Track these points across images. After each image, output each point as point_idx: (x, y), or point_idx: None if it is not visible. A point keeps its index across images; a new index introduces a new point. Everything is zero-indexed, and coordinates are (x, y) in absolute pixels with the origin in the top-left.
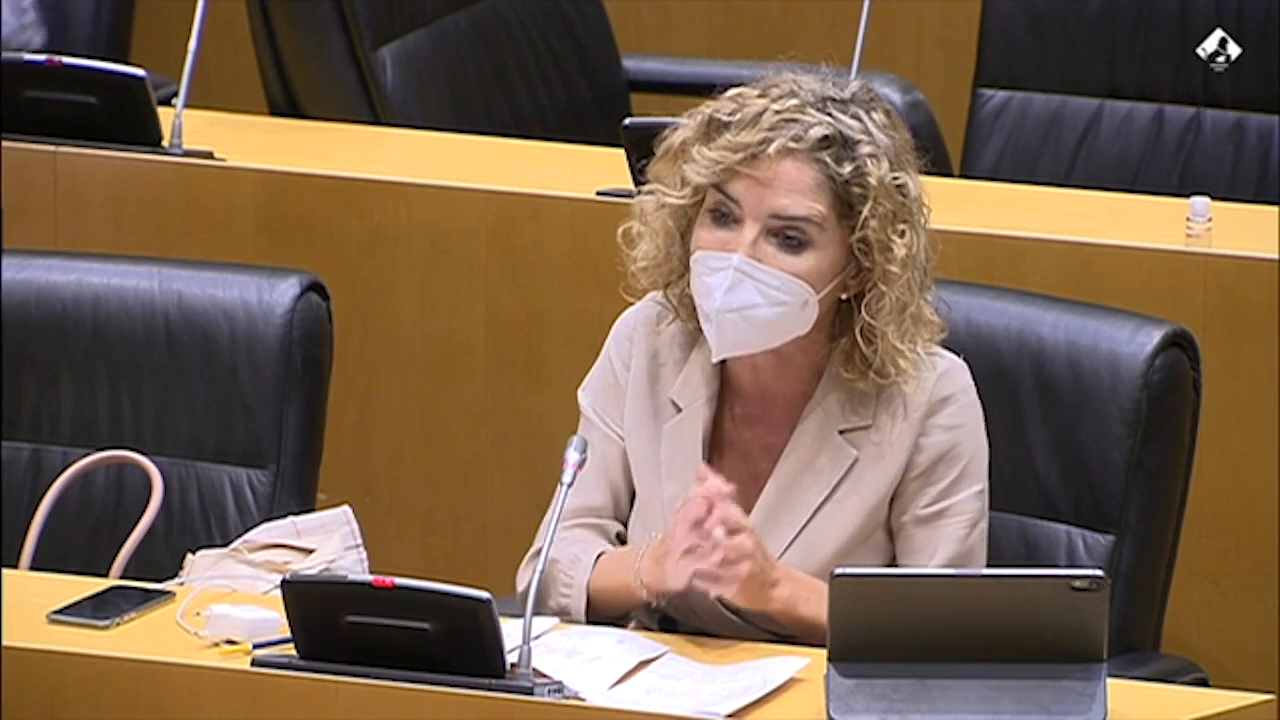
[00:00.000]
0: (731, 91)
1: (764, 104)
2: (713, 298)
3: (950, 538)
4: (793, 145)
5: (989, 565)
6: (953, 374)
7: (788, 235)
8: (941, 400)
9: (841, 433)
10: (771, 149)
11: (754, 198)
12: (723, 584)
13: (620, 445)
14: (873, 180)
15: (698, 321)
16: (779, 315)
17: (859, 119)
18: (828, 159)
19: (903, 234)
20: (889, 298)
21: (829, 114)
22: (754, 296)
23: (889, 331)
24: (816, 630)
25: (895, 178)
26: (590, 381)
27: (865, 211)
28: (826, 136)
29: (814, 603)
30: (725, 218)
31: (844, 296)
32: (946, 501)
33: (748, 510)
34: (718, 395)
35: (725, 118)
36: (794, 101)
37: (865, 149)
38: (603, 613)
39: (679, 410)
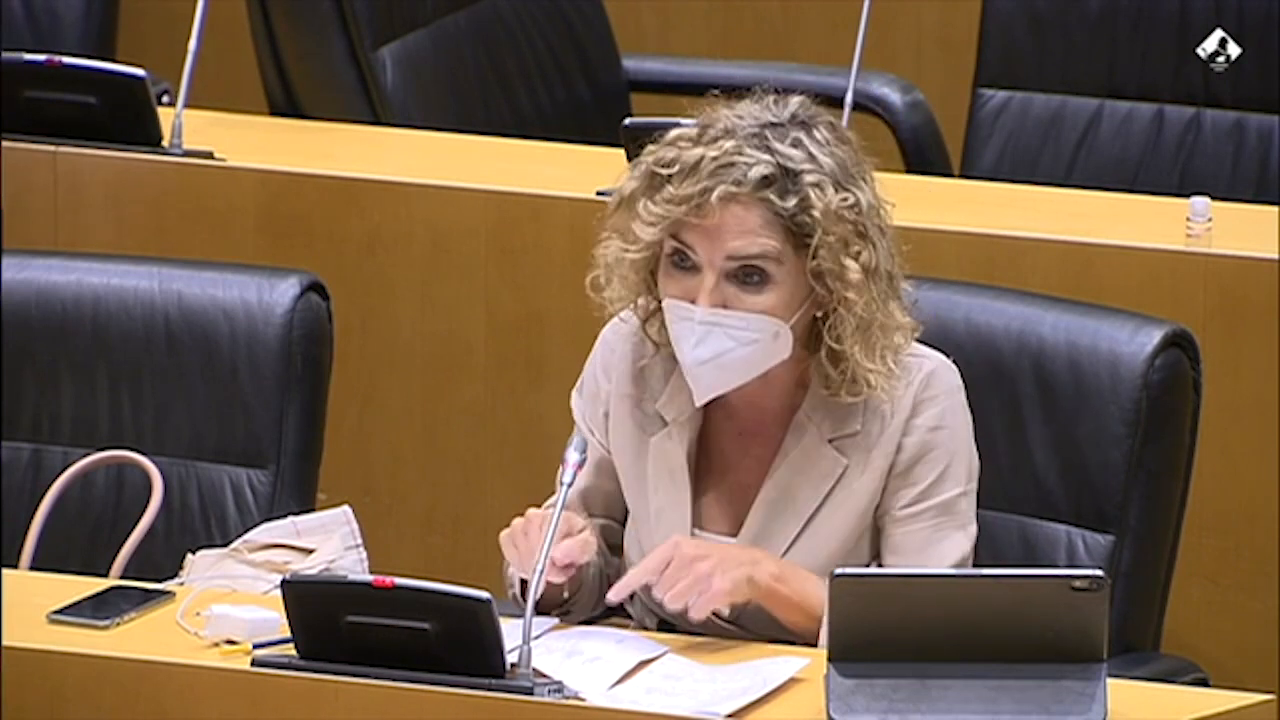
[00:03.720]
0: (671, 135)
1: (700, 152)
2: (683, 352)
3: (928, 539)
4: (734, 190)
5: (989, 565)
6: (939, 375)
7: (746, 274)
8: (925, 401)
9: (830, 441)
10: (713, 197)
11: (706, 245)
12: (703, 598)
13: (600, 450)
14: (818, 211)
15: None
16: (753, 352)
17: (799, 145)
18: (772, 196)
19: (858, 255)
20: (848, 321)
21: (767, 147)
22: (725, 343)
23: (854, 352)
24: (809, 609)
25: (844, 199)
26: (580, 386)
27: (815, 241)
28: (766, 176)
29: (799, 578)
30: (685, 262)
31: (818, 314)
32: (925, 503)
33: (739, 523)
34: (704, 410)
35: (664, 170)
36: (730, 143)
37: (809, 178)
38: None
39: (665, 424)
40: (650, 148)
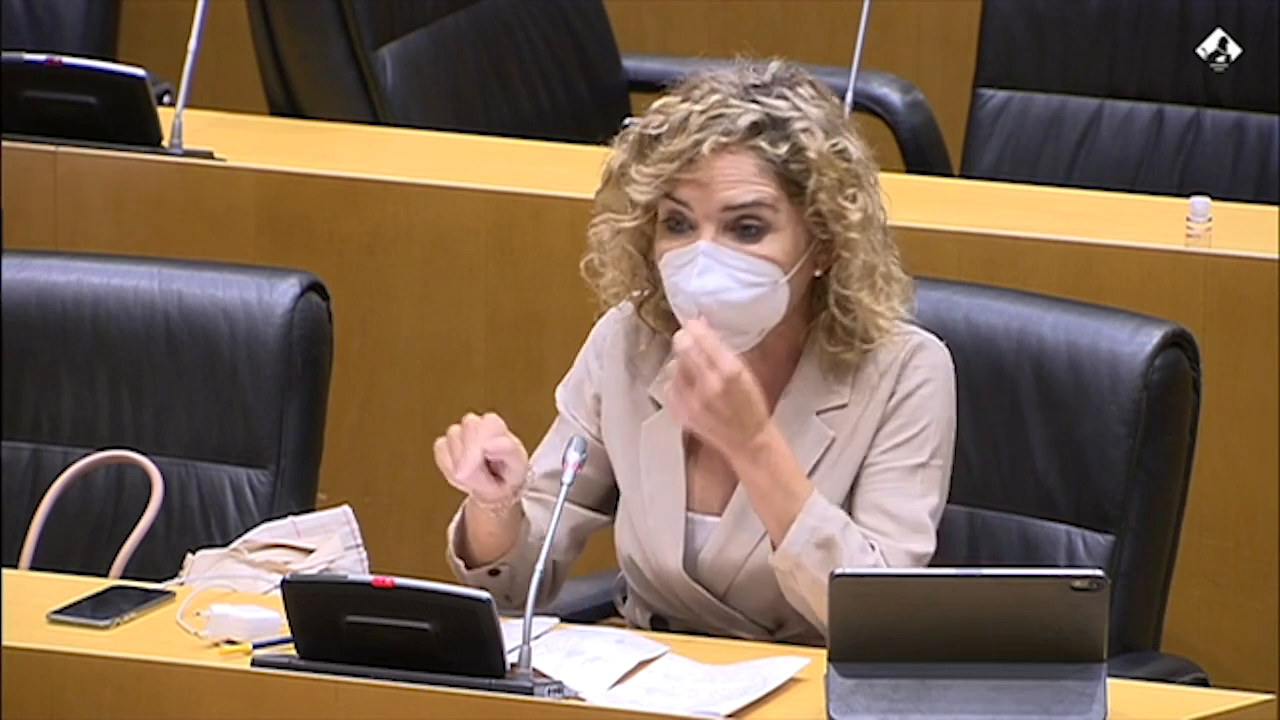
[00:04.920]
0: (656, 104)
1: (688, 108)
2: (687, 288)
3: (881, 500)
4: (725, 139)
5: (989, 565)
6: (926, 348)
7: (744, 225)
8: (907, 368)
9: (818, 414)
10: (705, 149)
11: (702, 199)
12: (688, 406)
13: (584, 437)
14: (811, 154)
15: (675, 329)
16: (755, 297)
17: (785, 98)
18: (763, 144)
19: (854, 198)
20: (855, 263)
21: (754, 100)
22: (725, 280)
23: (863, 297)
24: (780, 485)
25: (834, 144)
26: (568, 379)
27: (811, 185)
28: (755, 122)
29: (790, 460)
30: (681, 224)
31: (817, 274)
32: (883, 465)
33: (728, 498)
34: None
35: (654, 131)
36: (716, 97)
37: (798, 124)
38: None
39: (658, 407)
40: (636, 121)
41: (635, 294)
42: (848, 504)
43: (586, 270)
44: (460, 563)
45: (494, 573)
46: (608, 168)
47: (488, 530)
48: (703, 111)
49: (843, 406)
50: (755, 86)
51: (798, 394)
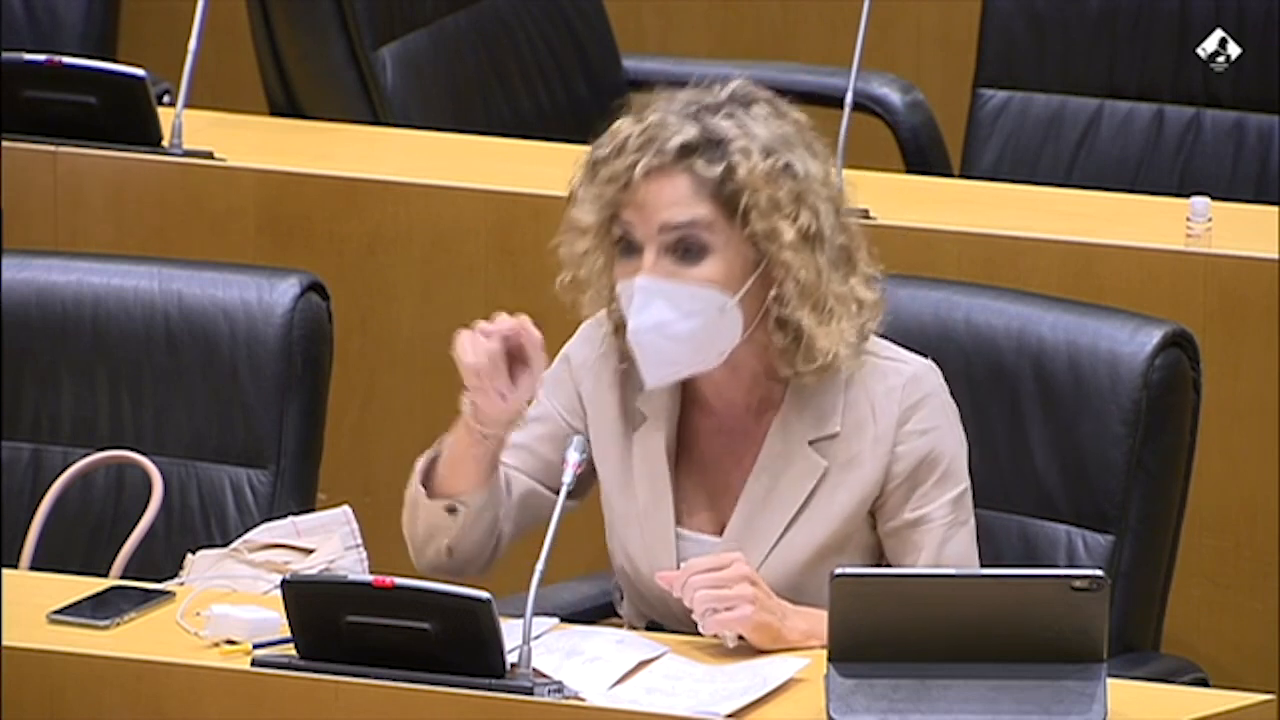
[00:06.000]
0: (614, 125)
1: (629, 129)
2: (630, 326)
3: (937, 540)
4: (655, 161)
5: (989, 565)
6: (921, 377)
7: (684, 246)
8: (912, 406)
9: (811, 443)
10: (637, 171)
11: (641, 220)
12: (723, 616)
13: (557, 420)
14: (742, 173)
15: None
16: (700, 327)
17: (732, 117)
18: (696, 164)
19: (793, 216)
20: (789, 283)
21: (696, 118)
22: (666, 312)
23: (803, 318)
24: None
25: (775, 162)
26: (549, 369)
27: (743, 205)
28: (686, 144)
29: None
30: (630, 247)
31: (773, 293)
32: (930, 506)
33: (721, 524)
34: (681, 405)
35: (601, 153)
36: (655, 117)
37: (736, 145)
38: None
39: (645, 419)
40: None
41: (614, 307)
42: (845, 532)
43: (560, 289)
44: (421, 490)
45: (451, 510)
46: (569, 188)
47: (464, 454)
48: (641, 132)
49: (834, 435)
50: (706, 107)
51: (787, 422)
